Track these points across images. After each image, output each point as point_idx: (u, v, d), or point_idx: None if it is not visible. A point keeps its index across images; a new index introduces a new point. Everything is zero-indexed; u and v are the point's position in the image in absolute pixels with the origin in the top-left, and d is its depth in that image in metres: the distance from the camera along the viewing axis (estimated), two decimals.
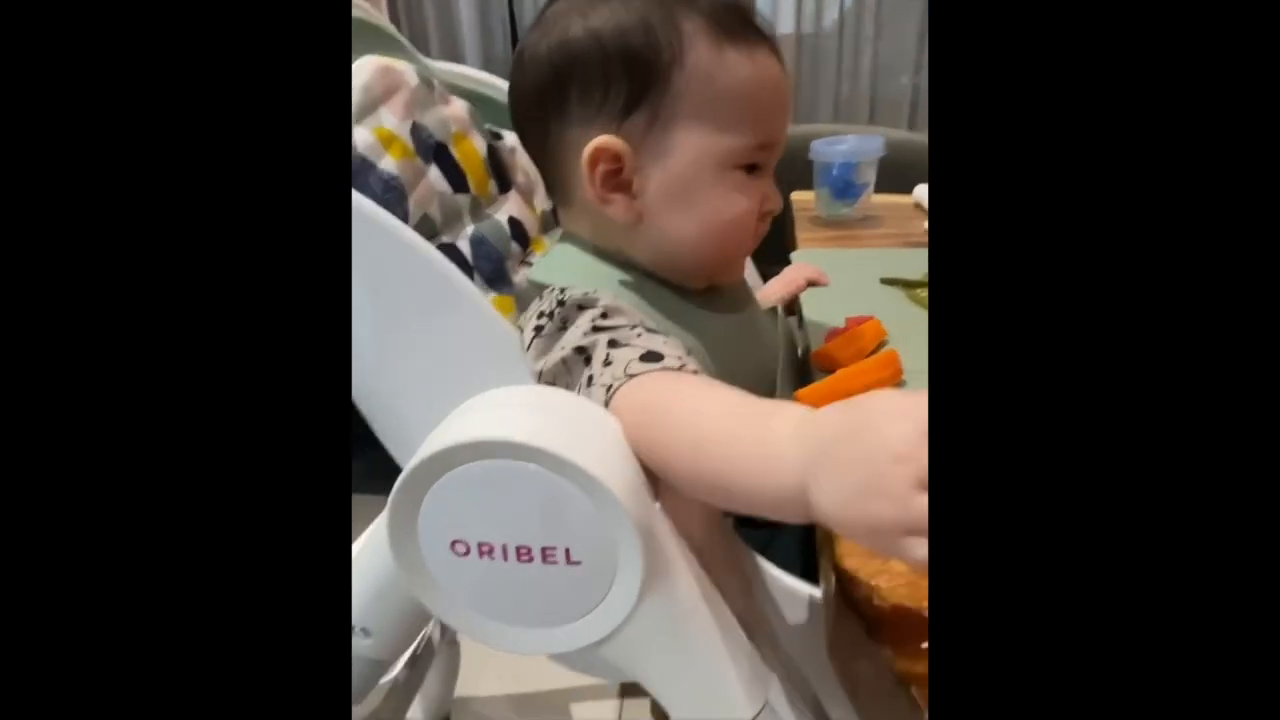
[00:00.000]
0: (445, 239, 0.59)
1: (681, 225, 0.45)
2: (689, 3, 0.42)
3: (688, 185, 0.44)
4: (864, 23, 2.11)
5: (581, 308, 0.43)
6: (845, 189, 0.89)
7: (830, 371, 0.54)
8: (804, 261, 0.75)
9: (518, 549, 0.37)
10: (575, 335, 0.42)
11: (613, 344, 0.40)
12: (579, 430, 0.37)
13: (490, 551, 0.37)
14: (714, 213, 0.45)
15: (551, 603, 0.38)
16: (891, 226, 0.89)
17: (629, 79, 0.42)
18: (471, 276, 0.60)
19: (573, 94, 0.44)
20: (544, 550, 0.36)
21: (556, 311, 0.44)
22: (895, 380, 0.52)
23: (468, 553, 0.37)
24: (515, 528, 0.36)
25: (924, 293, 0.66)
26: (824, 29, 2.13)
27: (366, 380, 0.49)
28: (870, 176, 0.90)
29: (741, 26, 0.43)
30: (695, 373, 0.39)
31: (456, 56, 2.10)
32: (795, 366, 0.61)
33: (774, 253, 0.90)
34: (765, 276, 0.78)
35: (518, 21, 1.99)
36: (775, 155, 0.47)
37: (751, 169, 0.45)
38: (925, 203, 0.91)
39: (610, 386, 0.38)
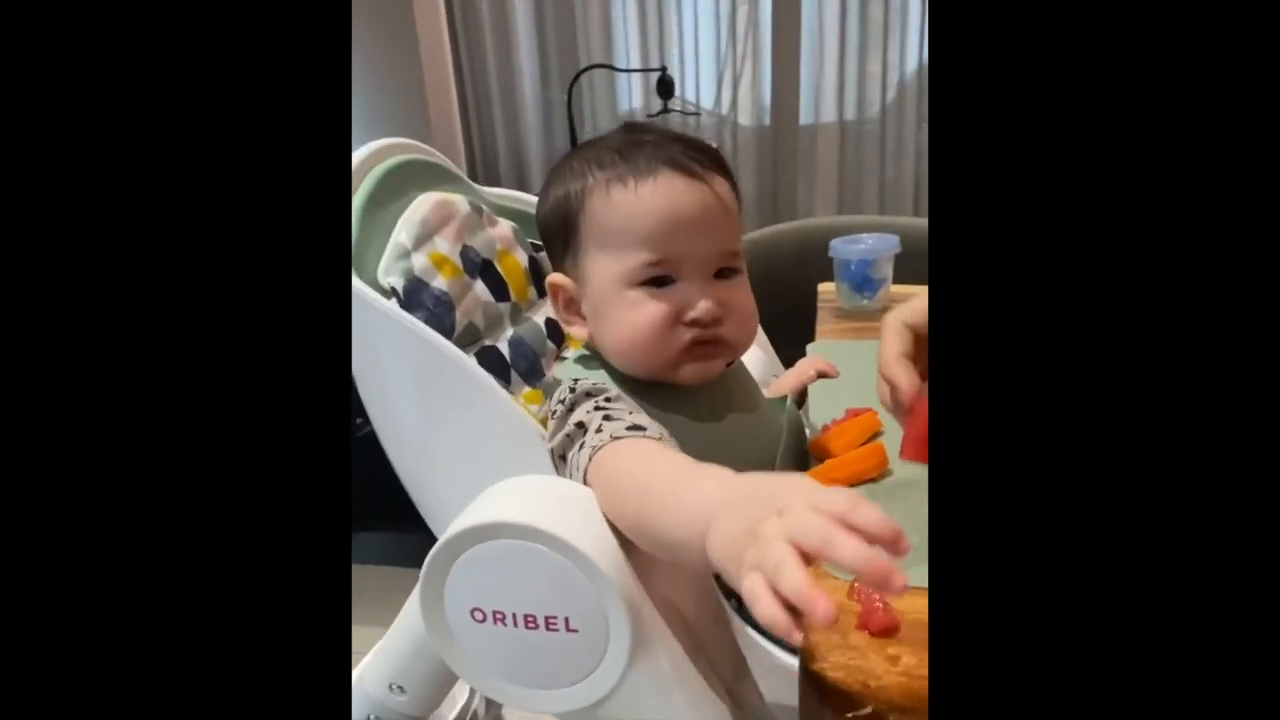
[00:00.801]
0: (487, 342, 0.68)
1: (606, 338, 0.55)
2: (599, 166, 0.54)
3: (600, 304, 0.54)
4: (906, 110, 2.19)
5: (589, 395, 0.52)
6: (863, 284, 0.96)
7: (823, 460, 0.59)
8: (817, 354, 0.81)
9: (525, 617, 0.43)
10: (579, 414, 0.50)
11: (606, 418, 0.48)
12: (580, 516, 0.44)
13: (503, 619, 0.44)
14: (619, 326, 0.53)
15: (554, 666, 0.44)
16: None
17: (559, 232, 0.57)
18: (509, 373, 0.69)
19: (548, 249, 0.61)
20: (547, 619, 0.43)
21: (568, 398, 0.53)
22: (879, 471, 0.57)
23: (484, 620, 0.44)
24: (524, 599, 0.43)
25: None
26: (867, 116, 2.22)
27: (411, 464, 0.58)
28: (887, 271, 0.96)
29: (633, 170, 0.52)
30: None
31: (525, 181, 2.32)
32: (799, 456, 0.66)
33: (800, 340, 0.96)
34: (789, 363, 0.85)
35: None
36: (688, 267, 0.52)
37: (660, 283, 0.52)
38: None
39: (595, 448, 0.46)
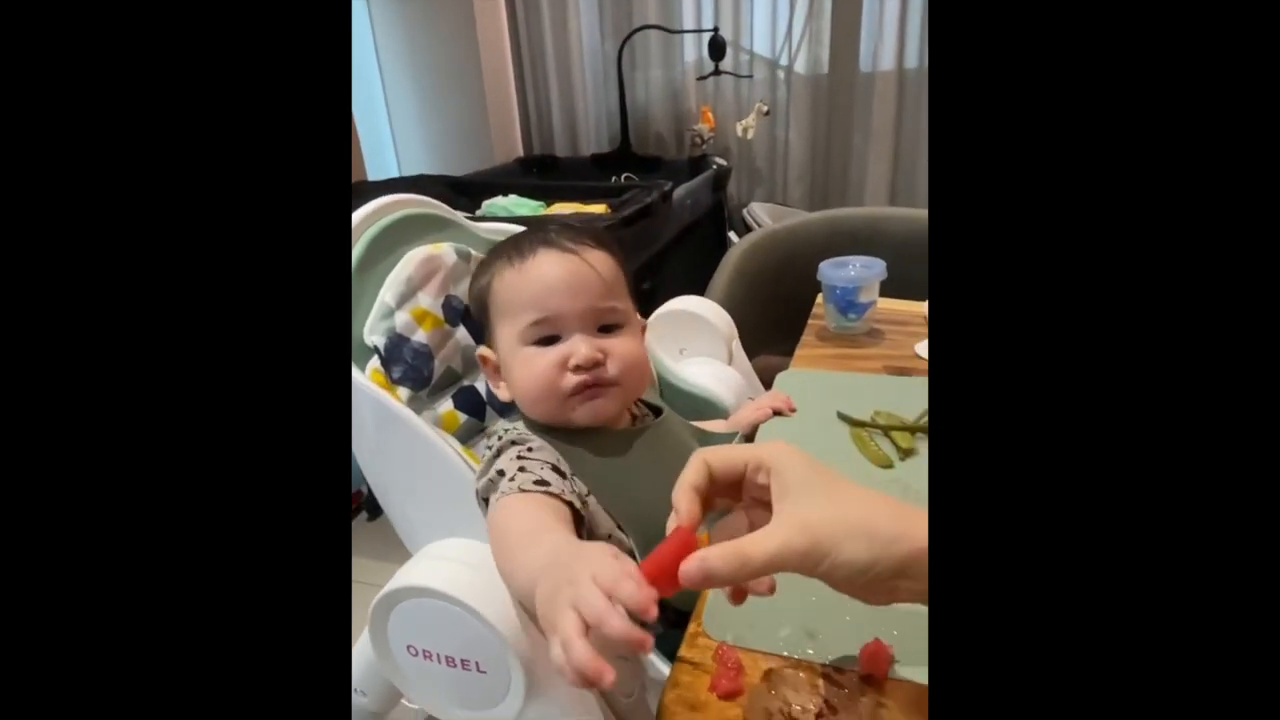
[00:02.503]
0: (465, 382, 0.78)
1: (514, 391, 0.65)
2: (499, 257, 0.66)
3: (506, 364, 0.65)
4: None
5: (514, 444, 0.61)
6: (849, 307, 0.99)
7: None
8: (779, 389, 0.86)
9: (446, 658, 0.54)
10: (501, 461, 0.59)
11: (521, 469, 0.57)
12: (488, 583, 0.54)
13: (430, 656, 0.55)
14: (521, 379, 0.63)
15: (471, 694, 0.56)
16: (889, 346, 0.97)
17: (480, 314, 0.69)
18: (484, 409, 0.78)
19: (480, 330, 0.71)
20: (462, 661, 0.54)
21: (496, 445, 0.62)
22: None
23: (418, 655, 0.55)
24: (445, 644, 0.54)
25: (866, 433, 0.76)
26: (925, 66, 2.11)
27: (375, 484, 0.69)
28: (874, 296, 0.99)
29: (519, 254, 0.64)
30: (569, 503, 0.54)
31: (576, 141, 2.37)
32: None
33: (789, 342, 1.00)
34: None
35: (628, 114, 2.25)
36: (568, 324, 0.62)
37: (548, 341, 0.62)
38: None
39: (501, 494, 0.54)
